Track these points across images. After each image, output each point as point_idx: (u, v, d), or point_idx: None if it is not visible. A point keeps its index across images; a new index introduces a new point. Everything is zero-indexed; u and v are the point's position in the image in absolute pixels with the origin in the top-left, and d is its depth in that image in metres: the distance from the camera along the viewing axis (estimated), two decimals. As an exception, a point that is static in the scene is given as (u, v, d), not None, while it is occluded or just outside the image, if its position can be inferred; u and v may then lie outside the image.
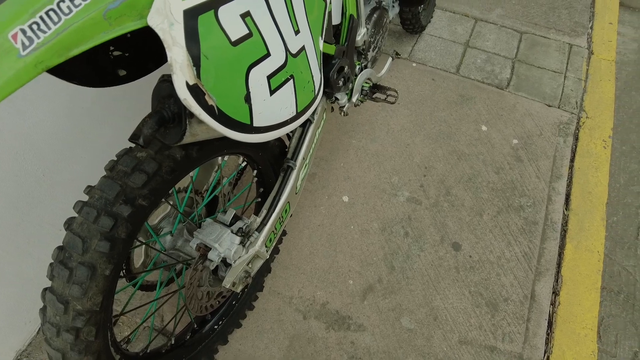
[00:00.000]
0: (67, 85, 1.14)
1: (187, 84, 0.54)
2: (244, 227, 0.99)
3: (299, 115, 0.76)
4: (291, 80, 0.71)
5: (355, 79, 1.26)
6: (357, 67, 1.26)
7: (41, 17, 0.45)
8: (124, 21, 0.51)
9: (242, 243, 0.99)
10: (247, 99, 0.61)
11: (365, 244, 1.53)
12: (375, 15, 1.24)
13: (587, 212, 1.62)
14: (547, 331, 1.39)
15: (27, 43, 0.44)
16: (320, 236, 1.54)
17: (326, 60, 1.09)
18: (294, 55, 0.72)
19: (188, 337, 1.23)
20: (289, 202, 1.12)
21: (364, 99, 1.35)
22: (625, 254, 1.63)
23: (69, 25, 0.46)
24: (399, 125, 1.82)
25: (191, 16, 0.55)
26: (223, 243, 0.97)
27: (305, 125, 1.15)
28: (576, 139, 1.81)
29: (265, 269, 1.42)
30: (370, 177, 1.69)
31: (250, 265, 1.08)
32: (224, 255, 0.97)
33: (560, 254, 1.53)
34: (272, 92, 0.66)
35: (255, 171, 1.22)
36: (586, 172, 1.72)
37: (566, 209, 1.62)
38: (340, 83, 1.16)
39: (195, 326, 1.27)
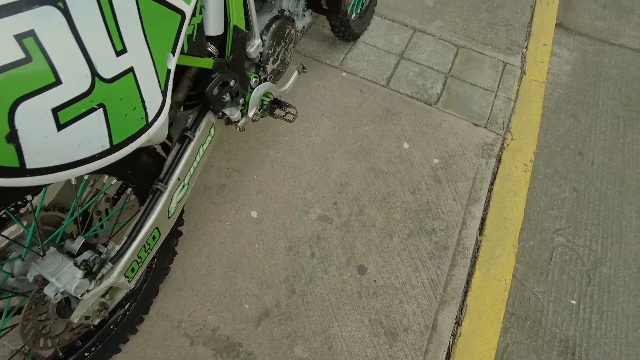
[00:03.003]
0: None
1: None
2: (91, 259, 0.89)
3: (117, 147, 0.66)
4: (99, 110, 0.60)
5: (250, 92, 1.17)
6: (254, 80, 1.16)
7: None
8: None
9: (87, 277, 0.88)
10: (12, 138, 0.51)
11: (268, 264, 1.44)
12: (274, 26, 1.14)
13: (500, 239, 1.60)
14: (445, 362, 1.35)
15: None
16: (220, 255, 1.45)
17: (204, 75, 0.99)
18: (109, 80, 0.61)
19: (48, 367, 1.11)
20: (157, 227, 1.02)
21: (263, 113, 1.26)
22: (536, 279, 1.62)
23: None
24: (320, 138, 1.74)
25: None
26: (62, 277, 0.86)
27: (183, 142, 1.05)
28: (499, 161, 1.78)
29: (152, 290, 1.31)
30: (284, 191, 1.60)
31: (107, 297, 0.98)
32: (64, 289, 0.86)
33: (468, 282, 1.50)
34: (61, 127, 0.55)
35: (130, 189, 1.10)
36: (504, 196, 1.70)
37: (479, 235, 1.60)
38: (226, 98, 1.07)
39: (61, 354, 1.15)
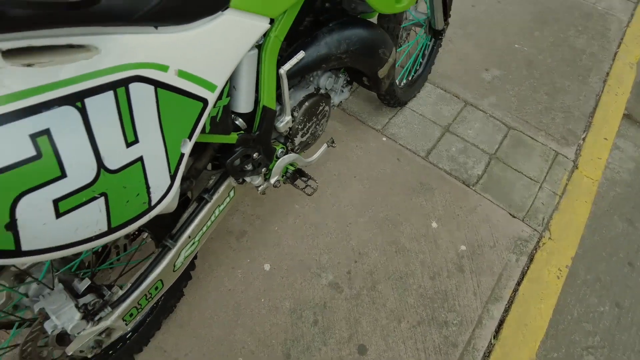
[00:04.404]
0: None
1: None
2: (91, 303, 0.95)
3: (115, 229, 0.70)
4: (101, 199, 0.65)
5: (275, 161, 1.21)
6: (280, 150, 1.20)
7: None
8: None
9: (86, 318, 0.94)
10: (11, 226, 0.56)
11: (269, 322, 1.45)
12: (307, 104, 1.18)
13: (516, 347, 1.49)
14: None
15: None
16: (226, 302, 1.48)
17: (227, 147, 1.04)
18: (115, 171, 0.66)
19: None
20: (161, 279, 1.07)
21: (286, 180, 1.29)
22: (554, 397, 1.49)
23: None
24: (348, 200, 1.74)
25: None
26: (62, 316, 0.92)
27: (200, 202, 1.10)
28: (531, 260, 1.68)
29: (155, 325, 1.37)
30: (301, 249, 1.61)
31: (103, 336, 1.03)
32: (63, 327, 0.93)
33: (472, 386, 1.41)
34: (60, 214, 0.60)
35: (145, 233, 1.17)
36: (529, 300, 1.59)
37: (494, 338, 1.50)
38: (248, 168, 1.11)
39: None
